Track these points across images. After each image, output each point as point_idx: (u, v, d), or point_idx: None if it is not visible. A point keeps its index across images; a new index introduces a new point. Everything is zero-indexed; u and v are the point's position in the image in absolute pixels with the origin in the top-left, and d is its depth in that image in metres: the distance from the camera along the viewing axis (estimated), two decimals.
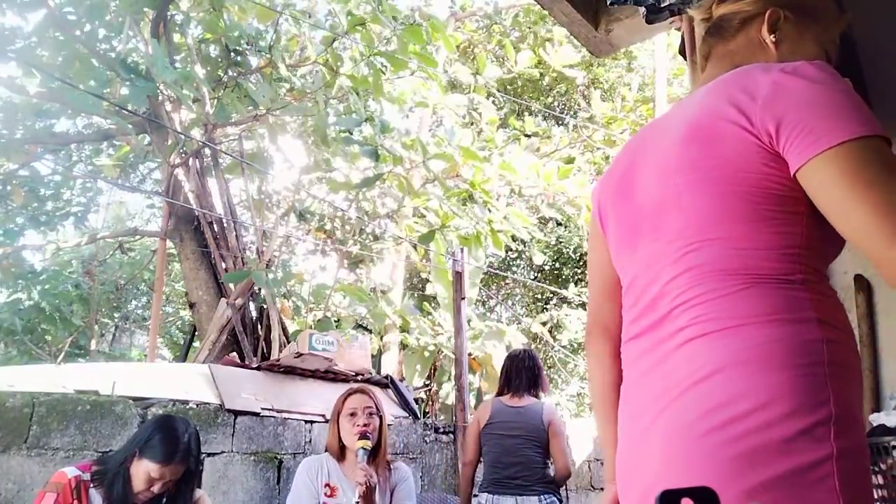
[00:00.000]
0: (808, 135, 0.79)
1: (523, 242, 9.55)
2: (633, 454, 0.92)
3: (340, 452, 2.45)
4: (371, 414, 2.43)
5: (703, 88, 0.97)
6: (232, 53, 6.51)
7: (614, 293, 1.07)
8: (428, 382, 7.56)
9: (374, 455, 2.40)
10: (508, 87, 12.09)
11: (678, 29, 2.20)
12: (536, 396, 3.24)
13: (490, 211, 7.26)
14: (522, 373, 3.25)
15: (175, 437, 2.02)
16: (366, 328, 8.43)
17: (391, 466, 2.51)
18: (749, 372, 0.77)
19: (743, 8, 1.05)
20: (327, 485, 2.39)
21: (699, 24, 1.15)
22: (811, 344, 0.78)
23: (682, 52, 1.79)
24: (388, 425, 4.31)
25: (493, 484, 3.07)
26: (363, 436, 2.35)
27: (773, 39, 1.02)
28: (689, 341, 0.83)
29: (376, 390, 2.79)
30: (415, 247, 8.33)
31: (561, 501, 3.10)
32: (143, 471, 1.97)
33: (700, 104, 0.92)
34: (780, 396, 0.75)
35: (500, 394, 3.31)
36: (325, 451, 2.51)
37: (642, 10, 1.45)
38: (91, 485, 1.97)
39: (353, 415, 2.42)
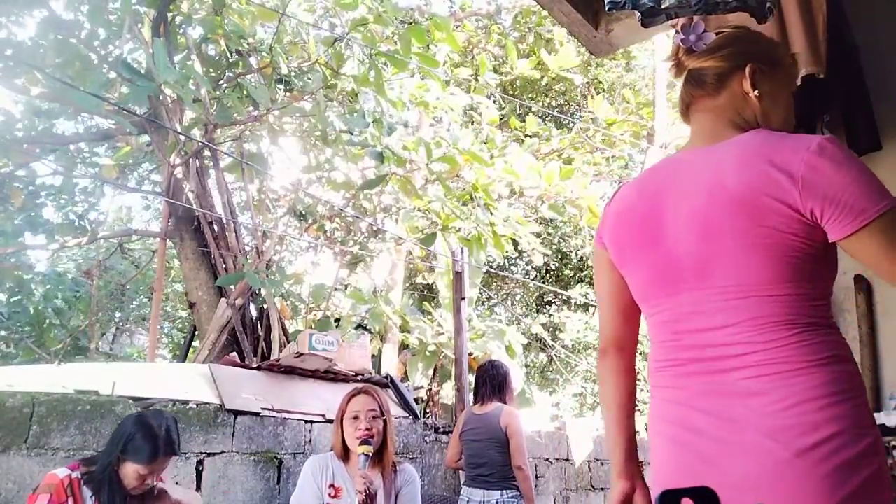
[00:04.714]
0: (848, 213, 0.97)
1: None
2: (701, 464, 1.05)
3: (345, 453, 2.41)
4: (374, 417, 2.37)
5: (724, 150, 1.09)
6: (233, 54, 6.50)
7: (631, 316, 1.24)
8: (428, 383, 7.55)
9: (380, 457, 2.35)
10: (508, 87, 12.08)
11: (678, 31, 2.19)
12: (503, 401, 3.59)
13: (492, 213, 7.24)
14: (487, 382, 3.65)
15: (154, 434, 2.04)
16: (366, 328, 8.41)
17: (397, 468, 2.45)
18: (821, 406, 0.96)
19: (717, 64, 1.16)
20: (331, 485, 2.35)
21: (669, 69, 1.26)
22: (854, 378, 1.01)
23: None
24: None
25: (469, 480, 3.57)
26: (365, 441, 2.30)
27: (757, 94, 1.14)
28: (756, 377, 1.00)
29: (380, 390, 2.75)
30: (418, 253, 8.32)
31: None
32: (133, 470, 2.01)
33: (733, 172, 1.05)
34: (849, 425, 0.96)
35: (473, 403, 3.77)
36: (331, 450, 2.48)
37: (638, 14, 1.45)
38: (82, 483, 2.00)
39: (355, 418, 2.36)
